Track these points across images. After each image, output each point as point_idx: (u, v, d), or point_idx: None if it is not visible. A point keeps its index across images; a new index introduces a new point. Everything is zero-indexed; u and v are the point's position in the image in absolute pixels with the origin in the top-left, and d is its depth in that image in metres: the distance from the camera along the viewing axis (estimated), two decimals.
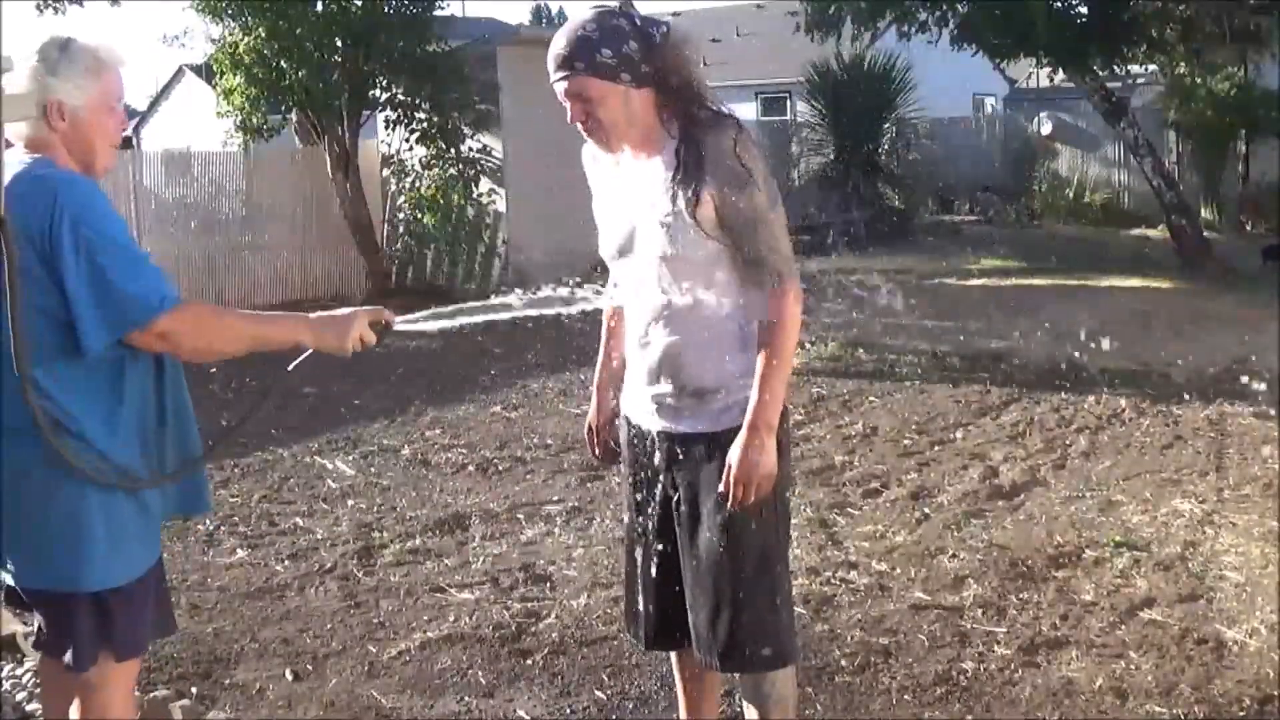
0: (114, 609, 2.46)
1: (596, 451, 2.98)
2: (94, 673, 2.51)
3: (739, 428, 2.51)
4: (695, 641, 2.68)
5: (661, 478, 2.65)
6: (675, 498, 2.63)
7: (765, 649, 2.62)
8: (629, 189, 2.57)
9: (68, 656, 2.50)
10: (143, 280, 2.35)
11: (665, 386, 2.59)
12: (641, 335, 2.62)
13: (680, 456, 2.60)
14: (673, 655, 2.95)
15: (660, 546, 2.70)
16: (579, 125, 2.52)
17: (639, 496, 2.73)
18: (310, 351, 2.57)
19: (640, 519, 2.73)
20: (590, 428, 2.96)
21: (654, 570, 2.73)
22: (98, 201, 2.38)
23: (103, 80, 2.46)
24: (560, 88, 2.49)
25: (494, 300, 2.78)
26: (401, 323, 2.66)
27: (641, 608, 2.79)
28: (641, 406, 2.67)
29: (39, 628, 2.59)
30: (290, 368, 2.60)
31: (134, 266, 2.35)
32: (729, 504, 2.49)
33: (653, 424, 2.64)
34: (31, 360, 2.26)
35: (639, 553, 2.76)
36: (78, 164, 2.44)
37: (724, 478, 2.49)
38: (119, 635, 2.49)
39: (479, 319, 2.76)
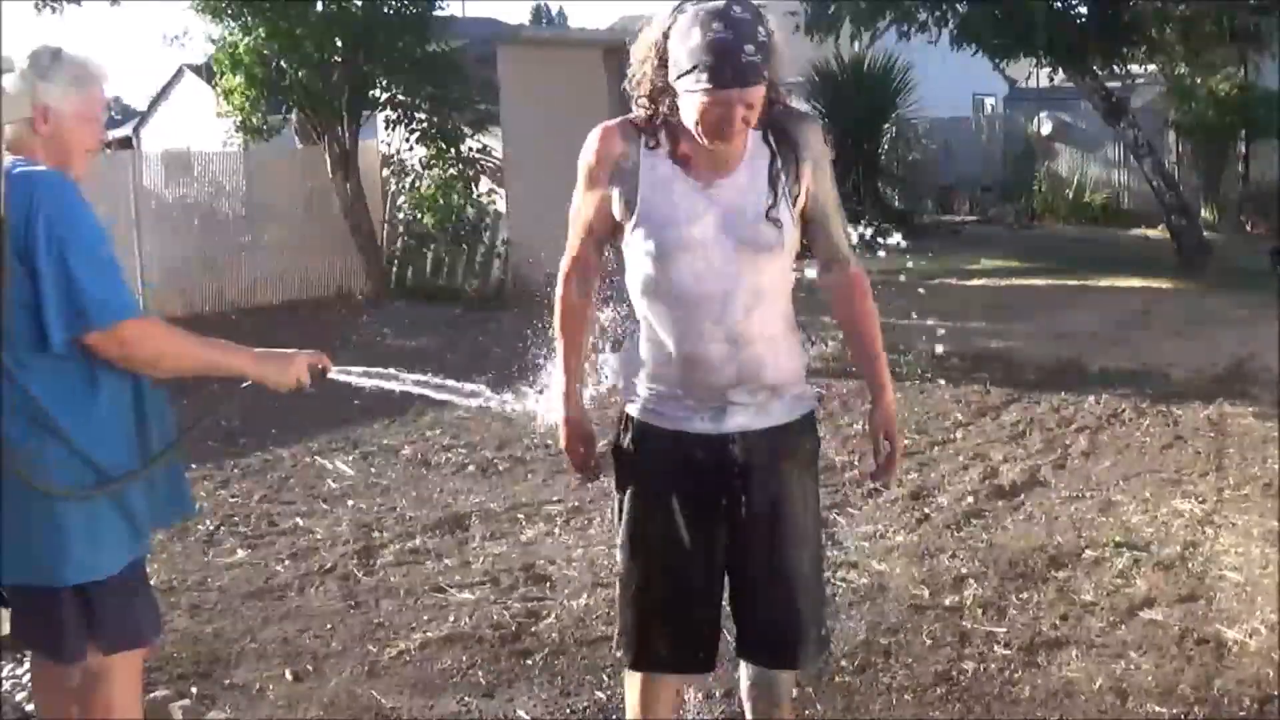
0: (97, 601, 2.49)
1: (579, 469, 2.81)
2: (94, 665, 2.54)
3: (808, 415, 2.63)
4: (763, 644, 2.67)
5: (727, 484, 2.55)
6: (744, 500, 2.55)
7: (827, 637, 2.77)
8: (704, 180, 2.46)
9: (54, 650, 2.54)
10: (108, 286, 2.40)
11: (743, 385, 2.52)
12: (710, 333, 2.49)
13: (753, 455, 2.54)
14: (641, 681, 2.74)
15: (713, 560, 2.60)
16: (718, 131, 2.35)
17: (687, 510, 2.57)
18: (249, 383, 2.65)
19: (686, 535, 2.57)
20: (573, 440, 2.75)
21: (703, 588, 2.63)
22: (74, 201, 2.43)
23: (88, 91, 2.55)
24: (740, 95, 2.32)
25: (433, 379, 2.80)
26: (337, 372, 2.74)
27: (674, 632, 2.64)
28: (701, 410, 2.54)
29: (12, 622, 2.63)
30: (234, 394, 2.71)
31: (101, 271, 2.41)
32: (886, 470, 2.65)
33: (718, 428, 2.54)
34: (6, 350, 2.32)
35: (676, 572, 2.60)
36: (55, 167, 2.50)
37: (880, 440, 2.63)
38: (106, 626, 2.52)
39: (412, 389, 2.82)
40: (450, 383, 2.82)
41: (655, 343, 2.55)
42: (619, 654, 2.74)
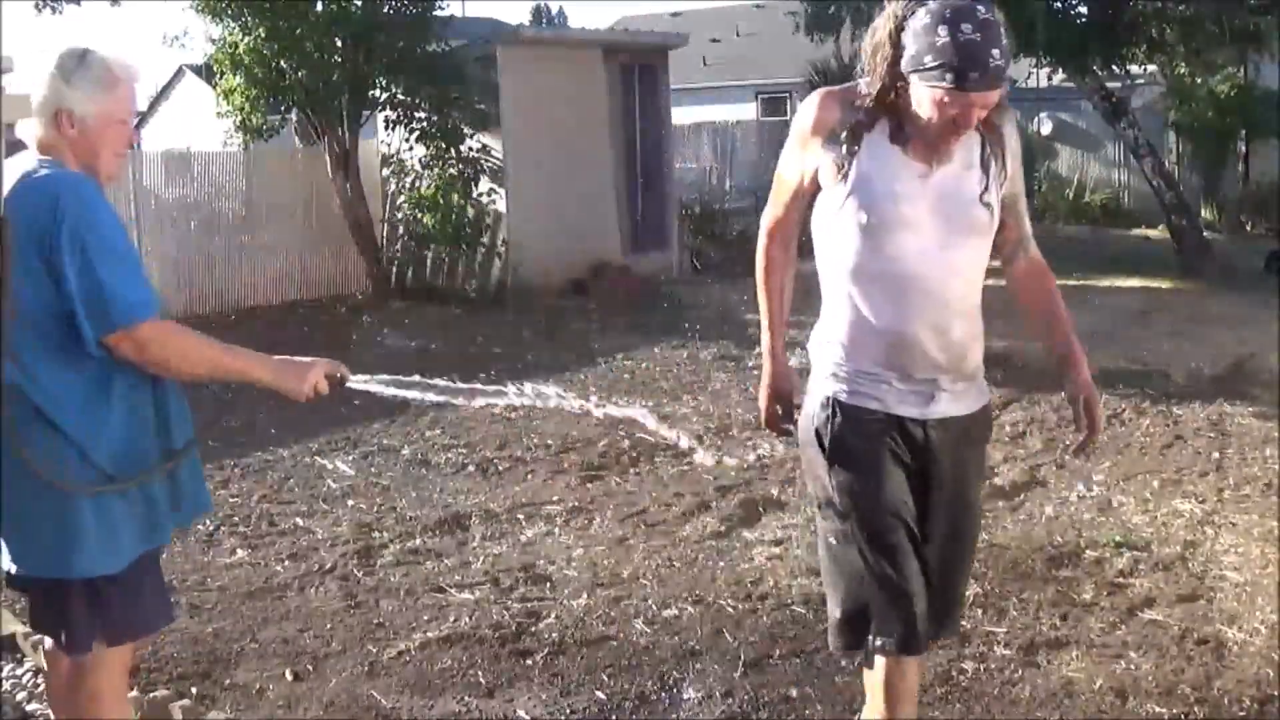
0: (106, 595, 2.54)
1: (771, 426, 2.84)
2: (88, 656, 2.59)
3: (988, 404, 2.75)
4: (939, 619, 2.67)
5: (925, 468, 2.59)
6: (938, 486, 2.61)
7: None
8: (922, 162, 2.48)
9: (63, 640, 2.59)
10: (130, 287, 2.44)
11: (949, 372, 2.59)
12: (922, 316, 2.53)
13: (950, 442, 2.61)
14: (888, 669, 2.66)
15: (917, 539, 2.60)
16: (953, 128, 2.40)
17: (902, 494, 2.58)
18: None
19: (906, 517, 2.58)
20: (774, 394, 2.80)
21: (919, 566, 2.60)
22: (98, 205, 2.47)
23: (114, 93, 2.56)
24: (982, 98, 2.36)
25: (458, 384, 2.75)
26: (356, 380, 2.71)
27: (917, 609, 2.59)
28: (909, 394, 2.56)
29: (30, 606, 2.68)
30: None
31: (124, 272, 2.45)
32: (1089, 435, 2.69)
33: (924, 412, 2.58)
34: (10, 349, 2.35)
35: (906, 552, 2.58)
36: (83, 169, 2.54)
37: (1087, 410, 2.68)
38: (112, 620, 2.57)
39: (433, 397, 2.77)
40: (477, 386, 2.77)
41: (862, 323, 2.55)
42: (876, 643, 2.60)
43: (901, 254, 2.50)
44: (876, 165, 2.48)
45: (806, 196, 2.62)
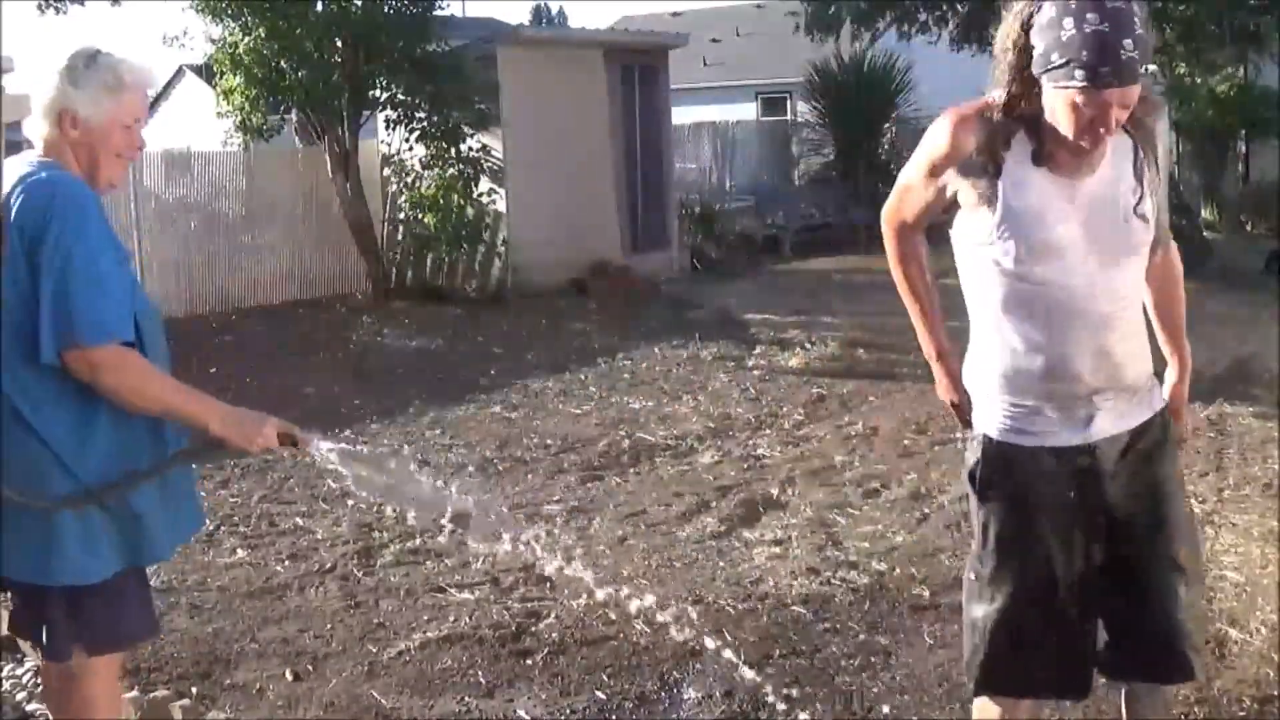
0: (86, 604, 2.49)
1: (969, 422, 2.57)
2: (75, 664, 2.55)
3: (1162, 409, 2.54)
4: (1155, 658, 2.49)
5: (1098, 492, 2.41)
6: (1119, 507, 2.43)
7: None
8: (1069, 177, 2.31)
9: (41, 647, 2.55)
10: (101, 307, 2.37)
11: (1105, 390, 2.39)
12: (1083, 343, 2.35)
13: (1119, 458, 2.43)
14: (1002, 707, 2.54)
15: (1089, 577, 2.42)
16: (1091, 131, 2.19)
17: (1062, 529, 2.41)
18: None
19: (1064, 555, 2.41)
20: (958, 391, 2.59)
21: (1083, 609, 2.45)
22: (90, 215, 2.41)
23: (121, 97, 2.51)
24: (1119, 95, 2.15)
25: (425, 482, 2.71)
26: (312, 448, 2.71)
27: (1059, 657, 2.45)
28: (1066, 421, 2.40)
29: (12, 609, 2.63)
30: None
31: (100, 291, 2.38)
32: (1180, 439, 2.59)
33: (1086, 437, 2.40)
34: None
35: (1056, 596, 2.41)
36: (84, 173, 2.51)
37: (1174, 418, 2.59)
38: (93, 629, 2.52)
39: (396, 501, 2.72)
40: (441, 495, 2.74)
41: (1019, 353, 2.39)
42: (976, 680, 2.50)
43: (1057, 280, 2.32)
44: (1022, 191, 2.30)
45: (933, 215, 2.50)
